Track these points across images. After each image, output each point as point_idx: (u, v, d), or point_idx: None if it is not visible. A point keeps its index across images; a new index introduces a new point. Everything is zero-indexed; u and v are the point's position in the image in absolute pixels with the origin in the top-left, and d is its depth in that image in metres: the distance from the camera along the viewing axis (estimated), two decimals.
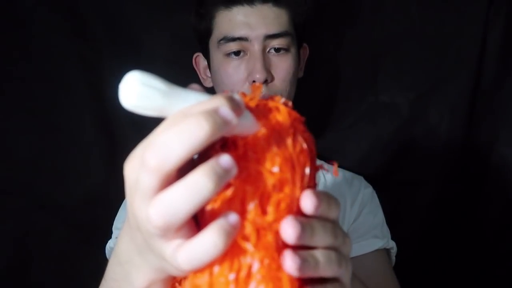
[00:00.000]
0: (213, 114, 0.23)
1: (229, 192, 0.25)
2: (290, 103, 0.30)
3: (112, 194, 0.81)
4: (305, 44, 0.79)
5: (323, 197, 0.27)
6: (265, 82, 0.68)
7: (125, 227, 0.31)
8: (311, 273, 0.26)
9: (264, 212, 0.26)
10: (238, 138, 0.27)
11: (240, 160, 0.26)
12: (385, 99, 0.89)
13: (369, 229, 0.75)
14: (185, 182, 0.23)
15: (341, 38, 0.88)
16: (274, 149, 0.27)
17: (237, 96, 0.25)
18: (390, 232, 0.78)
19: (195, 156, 0.27)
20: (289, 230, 0.25)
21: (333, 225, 0.28)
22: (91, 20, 0.84)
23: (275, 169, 0.26)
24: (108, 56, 0.85)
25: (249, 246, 0.25)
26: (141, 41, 0.86)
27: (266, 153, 0.27)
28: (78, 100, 0.85)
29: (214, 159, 0.23)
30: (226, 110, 0.23)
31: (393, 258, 0.78)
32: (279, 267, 0.26)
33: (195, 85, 0.27)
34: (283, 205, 0.26)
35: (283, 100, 0.30)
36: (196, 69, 0.82)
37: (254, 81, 0.67)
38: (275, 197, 0.26)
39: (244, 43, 0.68)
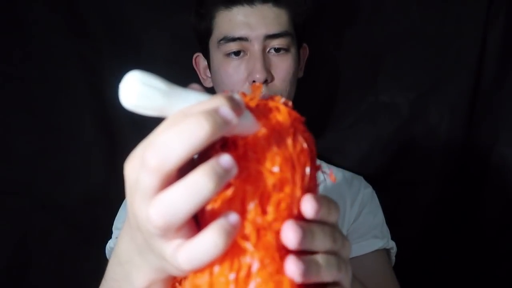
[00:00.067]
0: (213, 114, 0.23)
1: (229, 192, 0.25)
2: (290, 103, 0.30)
3: (112, 194, 0.81)
4: (305, 44, 0.79)
5: (324, 201, 0.27)
6: (265, 82, 0.68)
7: (125, 227, 0.31)
8: (313, 279, 0.26)
9: (264, 211, 0.26)
10: (238, 138, 0.27)
11: (240, 160, 0.26)
12: (385, 99, 0.89)
13: (369, 229, 0.75)
14: (185, 182, 0.23)
15: (341, 38, 0.88)
16: (274, 148, 0.27)
17: (237, 96, 0.25)
18: (390, 232, 0.78)
19: (195, 156, 0.27)
20: (290, 234, 0.25)
21: (332, 228, 0.28)
22: (91, 20, 0.84)
23: (275, 169, 0.26)
24: (108, 56, 0.85)
25: (249, 246, 0.25)
26: (141, 41, 0.86)
27: (266, 153, 0.27)
28: (78, 100, 0.85)
29: (214, 159, 0.23)
30: (226, 110, 0.23)
31: (393, 258, 0.78)
32: (279, 269, 0.26)
33: (195, 85, 0.27)
34: (283, 205, 0.26)
35: (283, 100, 0.30)
36: (196, 69, 0.82)
37: (254, 81, 0.67)
38: (275, 197, 0.26)
39: (244, 43, 0.68)
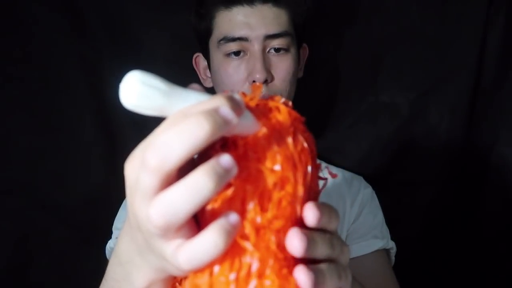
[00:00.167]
0: (214, 113, 0.23)
1: (229, 192, 0.25)
2: (290, 103, 0.30)
3: (112, 194, 0.81)
4: (304, 44, 0.79)
5: (325, 209, 0.28)
6: (265, 82, 0.68)
7: (125, 227, 0.31)
8: None
9: (264, 211, 0.26)
10: (238, 138, 0.27)
11: (241, 159, 0.26)
12: (385, 99, 0.89)
13: (369, 230, 0.75)
14: (186, 182, 0.23)
15: (341, 38, 0.88)
16: (275, 148, 0.27)
17: (237, 96, 0.25)
18: (390, 232, 0.78)
19: (195, 156, 0.27)
20: (296, 242, 0.26)
21: (331, 236, 0.29)
22: (91, 20, 0.84)
23: (277, 167, 0.26)
24: (108, 56, 0.85)
25: (248, 246, 0.25)
26: (141, 41, 0.86)
27: (267, 152, 0.27)
28: (78, 100, 0.85)
29: (215, 159, 0.23)
30: (226, 110, 0.23)
31: (393, 258, 0.78)
32: (281, 267, 0.26)
33: (195, 85, 0.27)
34: (284, 203, 0.26)
35: (283, 100, 0.30)
36: (196, 69, 0.82)
37: (254, 81, 0.67)
38: (276, 196, 0.26)
39: (244, 43, 0.68)
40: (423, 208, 0.93)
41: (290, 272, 0.26)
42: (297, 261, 0.27)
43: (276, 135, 0.27)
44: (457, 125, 0.89)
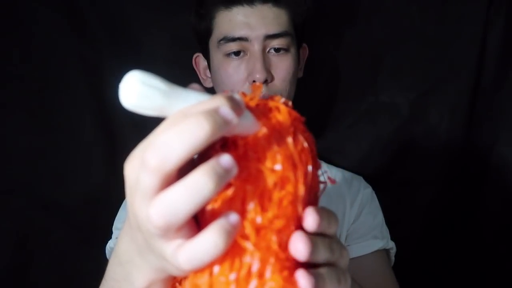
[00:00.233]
0: (214, 114, 0.23)
1: (229, 192, 0.25)
2: (290, 103, 0.30)
3: (112, 194, 0.81)
4: (304, 44, 0.79)
5: (324, 214, 0.28)
6: (265, 82, 0.68)
7: (125, 227, 0.31)
8: None
9: (265, 210, 0.26)
10: (238, 138, 0.27)
11: (241, 159, 0.26)
12: (385, 99, 0.89)
13: (369, 230, 0.75)
14: (186, 182, 0.23)
15: (341, 38, 0.88)
16: (275, 147, 0.27)
17: (237, 96, 0.25)
18: (389, 232, 0.78)
19: (195, 156, 0.27)
20: (300, 246, 0.26)
21: (331, 240, 0.29)
22: (91, 20, 0.84)
23: (277, 167, 0.26)
24: (108, 56, 0.85)
25: (249, 245, 0.25)
26: (141, 41, 0.86)
27: (267, 152, 0.27)
28: (78, 100, 0.85)
29: (215, 159, 0.23)
30: (226, 110, 0.23)
31: (392, 258, 0.78)
32: (283, 267, 0.26)
33: (195, 85, 0.27)
34: (285, 203, 0.26)
35: (283, 100, 0.30)
36: (196, 69, 0.82)
37: (254, 81, 0.67)
38: (276, 195, 0.26)
39: (244, 43, 0.68)
40: (423, 208, 0.93)
41: (292, 272, 0.26)
42: (297, 262, 0.27)
43: (276, 135, 0.27)
44: (457, 125, 0.89)
